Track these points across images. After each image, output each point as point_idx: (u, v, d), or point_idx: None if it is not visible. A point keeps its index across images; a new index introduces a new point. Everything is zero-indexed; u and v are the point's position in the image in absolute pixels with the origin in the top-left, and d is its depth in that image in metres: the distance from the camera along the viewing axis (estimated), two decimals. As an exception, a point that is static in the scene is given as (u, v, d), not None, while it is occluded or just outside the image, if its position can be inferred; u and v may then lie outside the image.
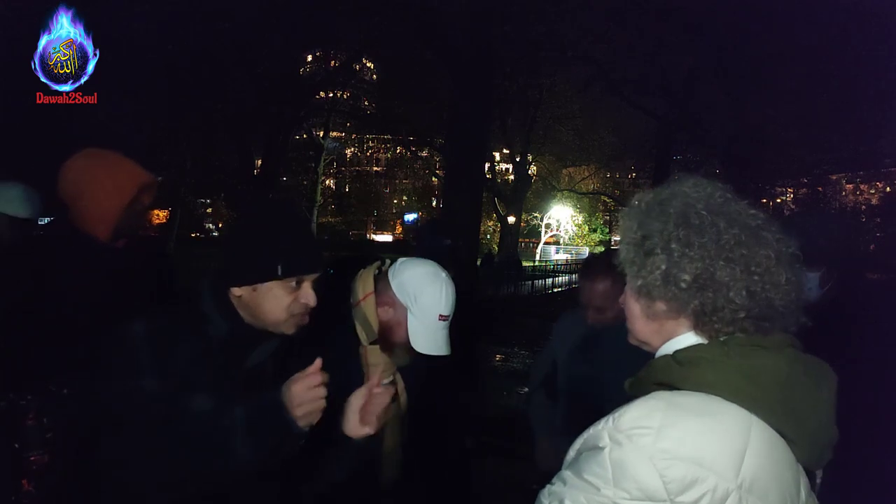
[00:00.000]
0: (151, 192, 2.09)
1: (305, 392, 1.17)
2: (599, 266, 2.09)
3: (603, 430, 0.87)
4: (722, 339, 0.92)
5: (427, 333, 1.61)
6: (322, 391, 1.18)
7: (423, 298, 1.60)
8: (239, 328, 1.30)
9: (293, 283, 1.29)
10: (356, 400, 1.36)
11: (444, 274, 1.66)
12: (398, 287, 1.62)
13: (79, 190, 1.95)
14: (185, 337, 1.25)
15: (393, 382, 1.72)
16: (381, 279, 1.67)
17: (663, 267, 0.93)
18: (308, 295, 1.31)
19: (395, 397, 1.72)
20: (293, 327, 1.32)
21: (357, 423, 1.34)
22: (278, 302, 1.28)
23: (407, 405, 1.77)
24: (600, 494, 0.83)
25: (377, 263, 1.73)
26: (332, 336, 1.55)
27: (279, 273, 1.26)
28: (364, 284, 1.67)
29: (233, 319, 1.30)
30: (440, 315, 1.61)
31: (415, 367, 1.77)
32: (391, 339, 1.64)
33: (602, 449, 0.86)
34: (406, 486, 1.78)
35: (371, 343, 1.66)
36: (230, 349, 1.30)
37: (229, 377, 1.28)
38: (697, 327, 0.94)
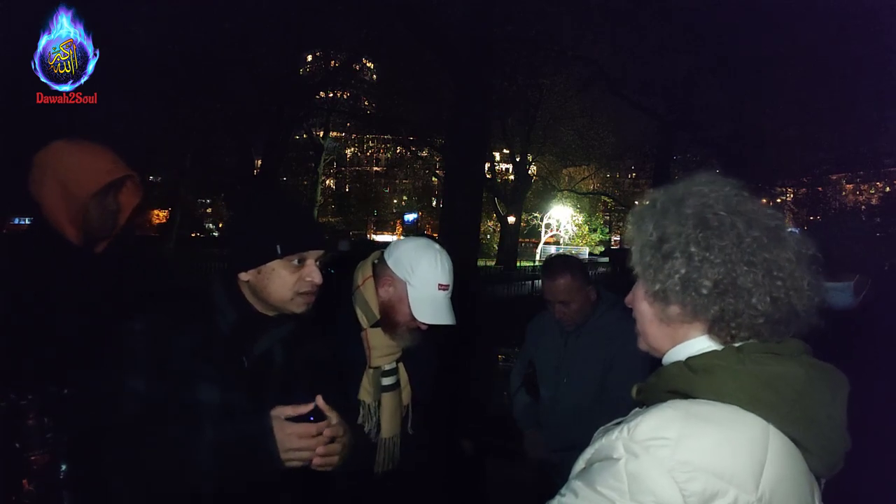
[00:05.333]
0: (132, 191, 1.91)
1: (299, 440, 1.15)
2: (558, 264, 2.31)
3: (617, 441, 0.83)
4: (737, 345, 0.88)
5: (430, 304, 1.62)
6: (319, 442, 1.16)
7: (420, 269, 1.62)
8: (247, 316, 1.32)
9: (295, 262, 1.30)
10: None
11: (437, 246, 1.69)
12: (395, 263, 1.65)
13: (41, 181, 1.77)
14: (185, 331, 1.26)
15: (396, 371, 1.73)
16: (379, 262, 1.70)
17: (682, 271, 0.87)
18: (312, 272, 1.31)
19: (397, 386, 1.73)
20: (302, 306, 1.32)
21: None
22: (283, 281, 1.29)
23: (410, 396, 1.78)
24: None
25: (376, 253, 1.75)
26: (333, 323, 1.56)
27: (279, 252, 1.27)
28: (363, 271, 1.71)
29: (241, 308, 1.32)
30: (439, 284, 1.63)
31: (419, 358, 1.77)
32: (394, 317, 1.65)
33: (617, 460, 0.82)
34: (402, 477, 1.78)
35: (372, 326, 1.68)
36: (238, 338, 1.30)
37: (236, 366, 1.28)
38: (712, 332, 0.90)
